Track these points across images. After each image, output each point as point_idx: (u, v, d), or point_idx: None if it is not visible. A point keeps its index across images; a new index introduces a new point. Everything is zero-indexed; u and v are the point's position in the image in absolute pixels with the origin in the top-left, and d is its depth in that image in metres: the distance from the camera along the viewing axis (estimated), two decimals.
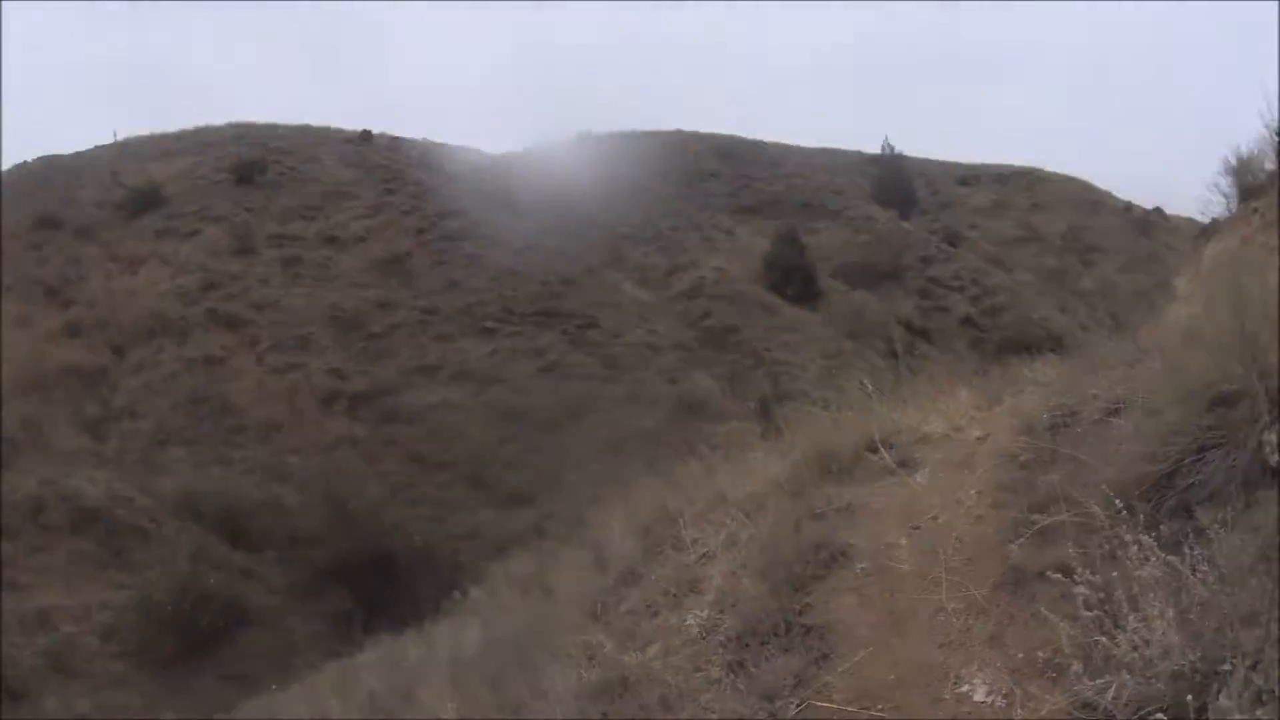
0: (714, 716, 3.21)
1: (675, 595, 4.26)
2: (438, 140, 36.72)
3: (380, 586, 16.54)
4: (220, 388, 22.09)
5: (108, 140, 38.00)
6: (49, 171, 35.66)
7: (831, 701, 2.96)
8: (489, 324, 23.56)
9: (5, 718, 14.40)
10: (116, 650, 16.16)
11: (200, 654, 16.00)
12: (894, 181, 37.31)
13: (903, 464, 4.13)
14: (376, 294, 24.54)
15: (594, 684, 3.77)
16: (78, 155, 37.40)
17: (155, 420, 22.05)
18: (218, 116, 38.68)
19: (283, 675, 11.96)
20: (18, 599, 16.26)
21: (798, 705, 3.04)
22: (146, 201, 29.86)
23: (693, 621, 3.90)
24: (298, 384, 21.74)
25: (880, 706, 2.87)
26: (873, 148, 42.29)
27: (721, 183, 36.04)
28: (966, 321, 29.39)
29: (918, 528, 3.61)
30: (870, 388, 4.78)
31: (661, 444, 16.36)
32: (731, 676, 3.39)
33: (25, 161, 38.15)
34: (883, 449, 4.22)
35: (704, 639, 3.77)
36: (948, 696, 2.82)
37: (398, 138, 36.33)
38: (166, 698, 15.50)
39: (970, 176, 42.70)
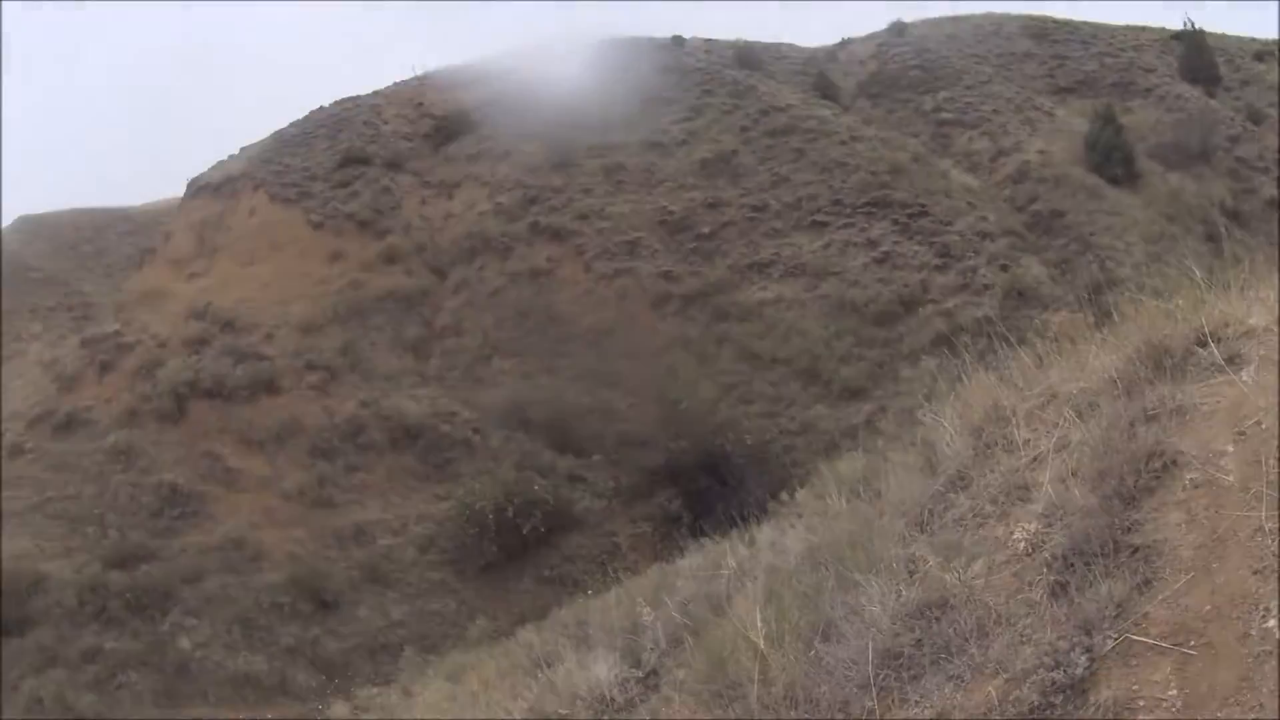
0: (1028, 648, 4.31)
1: (1003, 504, 5.52)
2: (750, 39, 49.91)
3: (710, 487, 24.55)
4: (547, 298, 33.59)
5: (407, 77, 51.16)
6: (348, 112, 49.46)
7: (1148, 636, 3.98)
8: (819, 217, 33.77)
9: (319, 627, 23.17)
10: (435, 559, 25.35)
11: (520, 559, 24.86)
12: (1198, 58, 47.52)
13: (1230, 360, 5.29)
14: (703, 195, 35.83)
15: (912, 604, 4.97)
16: (375, 94, 51.03)
17: (479, 336, 33.82)
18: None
19: (603, 579, 17.98)
20: (334, 516, 26.62)
21: (1114, 639, 4.08)
22: (457, 128, 41.65)
23: (1020, 535, 5.04)
24: (627, 288, 32.56)
25: (1193, 643, 3.86)
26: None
27: (1036, 63, 46.84)
28: (1271, 203, 35.69)
29: (1243, 434, 4.68)
30: (1197, 274, 6.26)
31: (993, 335, 22.54)
32: (1052, 601, 4.53)
33: (321, 106, 52.09)
34: (1211, 343, 5.47)
35: (1029, 556, 4.90)
36: (1254, 632, 3.77)
37: (710, 40, 49.91)
38: (481, 603, 24.88)
39: (1265, 52, 50.50)
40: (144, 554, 25.22)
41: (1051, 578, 4.58)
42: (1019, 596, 4.67)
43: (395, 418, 28.72)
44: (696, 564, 10.98)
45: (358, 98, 51.59)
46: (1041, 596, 4.57)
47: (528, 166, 39.84)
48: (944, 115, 42.12)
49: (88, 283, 69.51)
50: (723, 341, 29.74)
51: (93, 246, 77.00)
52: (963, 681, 4.40)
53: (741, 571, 8.50)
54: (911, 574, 5.31)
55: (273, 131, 51.24)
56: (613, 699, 7.17)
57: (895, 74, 45.41)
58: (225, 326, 33.90)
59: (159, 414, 29.19)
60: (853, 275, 30.76)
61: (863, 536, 6.25)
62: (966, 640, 4.58)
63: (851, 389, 27.28)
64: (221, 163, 49.85)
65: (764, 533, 10.69)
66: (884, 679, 4.64)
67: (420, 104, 47.80)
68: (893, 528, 6.13)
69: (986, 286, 29.84)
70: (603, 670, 7.48)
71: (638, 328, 31.10)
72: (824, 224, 33.06)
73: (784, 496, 15.03)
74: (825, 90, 43.39)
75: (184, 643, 23.46)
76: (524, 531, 24.63)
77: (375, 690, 20.24)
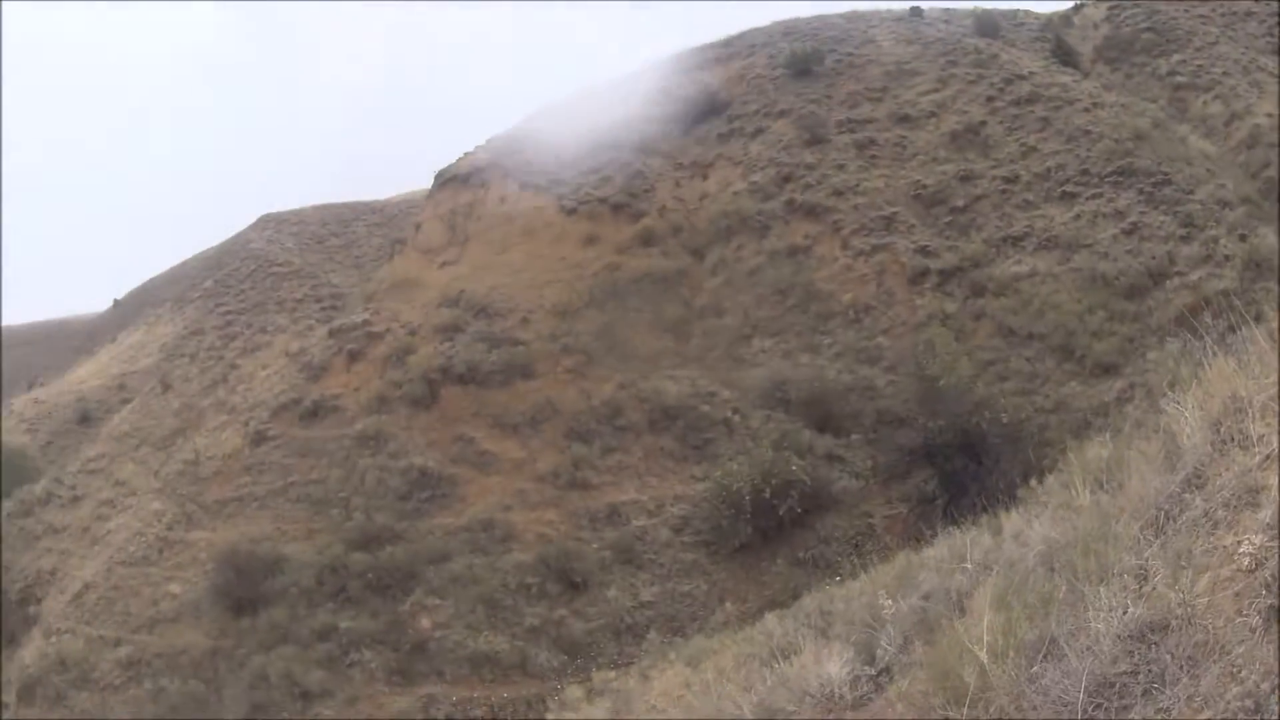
0: (1234, 686, 4.44)
1: (1234, 508, 5.66)
2: (987, 5, 52.46)
3: (965, 467, 26.10)
4: (805, 276, 36.26)
5: (651, 60, 55.53)
6: (596, 99, 53.36)
7: None
8: (1069, 188, 35.36)
9: (566, 608, 25.16)
10: (689, 540, 27.45)
11: (775, 541, 26.66)
12: None
13: None
14: (955, 167, 38.03)
15: (1135, 624, 5.22)
16: (620, 80, 54.94)
17: (739, 315, 36.22)
18: (760, 20, 55.14)
19: (856, 563, 18.92)
20: (588, 498, 29.00)
21: None
22: (705, 108, 45.63)
23: (1245, 548, 5.14)
24: (885, 264, 34.95)
25: None
26: None
27: (1257, 22, 47.31)
28: None
29: None
30: None
31: (1233, 311, 23.98)
32: (1269, 629, 4.59)
33: (567, 96, 56.52)
34: None
35: (1252, 572, 5.00)
36: None
37: (948, 8, 53.20)
38: (733, 584, 26.48)
39: None
40: (389, 536, 27.92)
41: (1270, 600, 4.70)
42: (1238, 620, 4.77)
43: (654, 399, 31.32)
44: (942, 554, 11.51)
45: (603, 84, 56.09)
46: (1258, 623, 4.65)
47: (780, 144, 42.84)
48: (1178, 79, 43.70)
49: (337, 275, 76.56)
50: (980, 317, 31.65)
51: (340, 240, 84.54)
52: (1169, 716, 4.63)
53: (983, 565, 9.10)
54: (1140, 587, 5.58)
55: (519, 120, 56.36)
56: (842, 696, 7.81)
57: (1129, 37, 47.15)
58: (479, 313, 37.19)
59: (410, 400, 32.42)
60: (1103, 247, 32.20)
61: (1098, 539, 6.61)
62: (1181, 670, 4.77)
63: (1103, 365, 28.68)
64: (469, 154, 55.02)
65: (1011, 521, 11.40)
66: (1095, 708, 4.94)
67: (666, 88, 51.78)
68: (1128, 531, 6.47)
69: (1227, 258, 30.75)
70: (835, 666, 8.11)
71: (896, 304, 33.34)
72: (1073, 195, 34.66)
73: (1033, 484, 15.75)
74: (1064, 56, 45.41)
75: (424, 622, 25.82)
76: (780, 513, 26.33)
77: (613, 673, 21.67)
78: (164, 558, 30.25)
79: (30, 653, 28.81)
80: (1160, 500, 6.59)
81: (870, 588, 11.89)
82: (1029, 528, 9.98)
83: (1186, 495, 6.38)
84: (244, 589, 27.14)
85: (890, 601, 9.23)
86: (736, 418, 30.73)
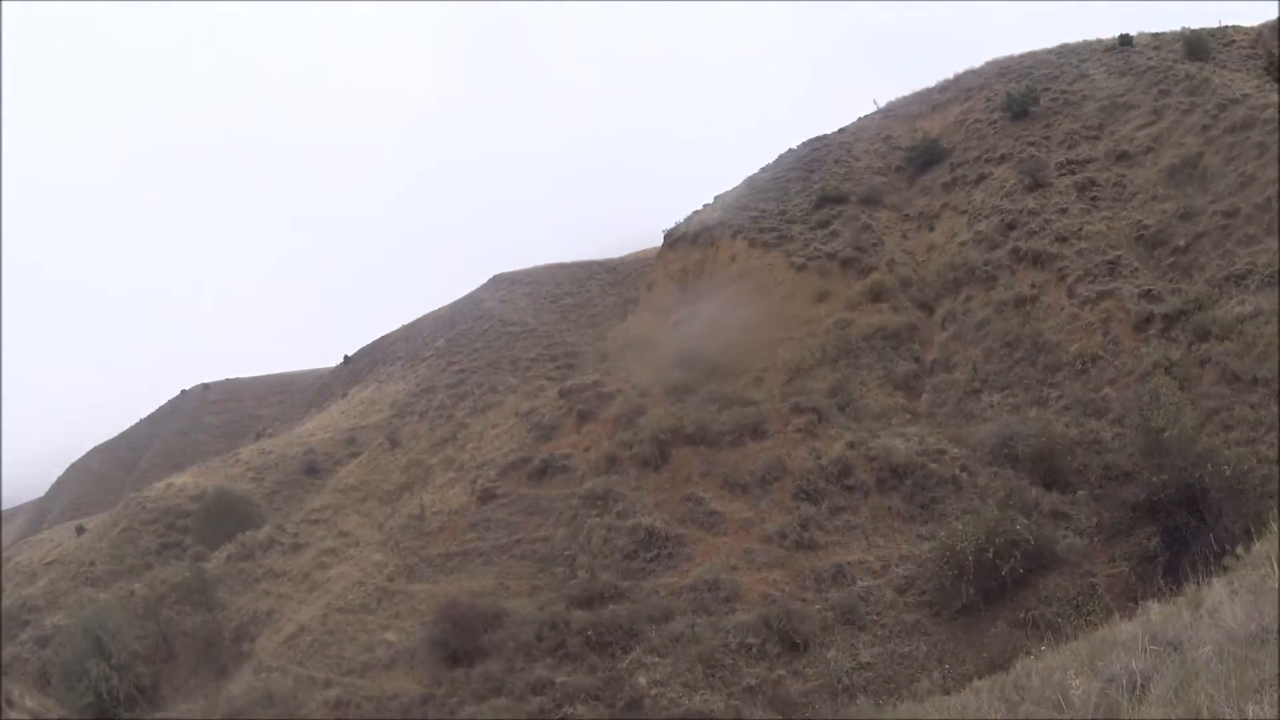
0: None
1: None
2: (1196, 26, 52.11)
3: (1187, 523, 26.45)
4: (1032, 327, 37.24)
5: (870, 110, 57.42)
6: (817, 152, 55.52)
7: None
8: None
9: (784, 668, 25.68)
10: (912, 601, 27.99)
11: (997, 601, 27.01)
12: None
13: None
14: (1175, 204, 38.46)
15: None
16: (842, 131, 57.00)
17: (968, 369, 37.43)
18: (974, 59, 56.60)
19: (1076, 622, 19.96)
20: (814, 558, 29.82)
21: None
22: (927, 157, 47.96)
23: None
24: (1110, 311, 35.66)
25: None
26: None
27: None
28: None
29: None
30: None
31: None
32: None
33: (790, 149, 58.71)
34: None
35: None
36: None
37: (1158, 34, 53.23)
38: (953, 646, 26.82)
39: None
40: (612, 594, 28.95)
41: None
42: None
43: (883, 457, 32.11)
44: (1137, 631, 11.51)
45: (825, 136, 58.17)
46: None
47: (1002, 190, 44.24)
48: None
49: (571, 334, 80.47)
50: (1204, 363, 31.65)
51: (574, 299, 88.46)
52: None
53: (1173, 648, 9.19)
54: None
55: (744, 178, 58.79)
56: None
57: None
58: (711, 372, 39.07)
59: (639, 460, 33.63)
60: None
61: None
62: None
63: None
64: (696, 212, 57.83)
65: (1214, 592, 11.33)
66: None
67: (888, 136, 53.49)
68: None
69: None
70: None
71: (1122, 352, 33.94)
72: None
73: (1240, 550, 15.27)
74: (1278, 72, 44.14)
75: (641, 679, 26.38)
76: (1002, 573, 26.71)
77: None
78: (382, 607, 32.33)
79: (238, 686, 30.83)
80: None
81: (1071, 660, 12.17)
82: (1227, 604, 9.98)
83: None
84: (461, 640, 28.42)
85: (1078, 681, 9.65)
86: (964, 475, 31.42)
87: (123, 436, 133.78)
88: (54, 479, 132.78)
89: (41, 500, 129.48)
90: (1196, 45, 48.82)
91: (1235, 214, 36.25)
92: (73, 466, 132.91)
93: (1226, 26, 52.22)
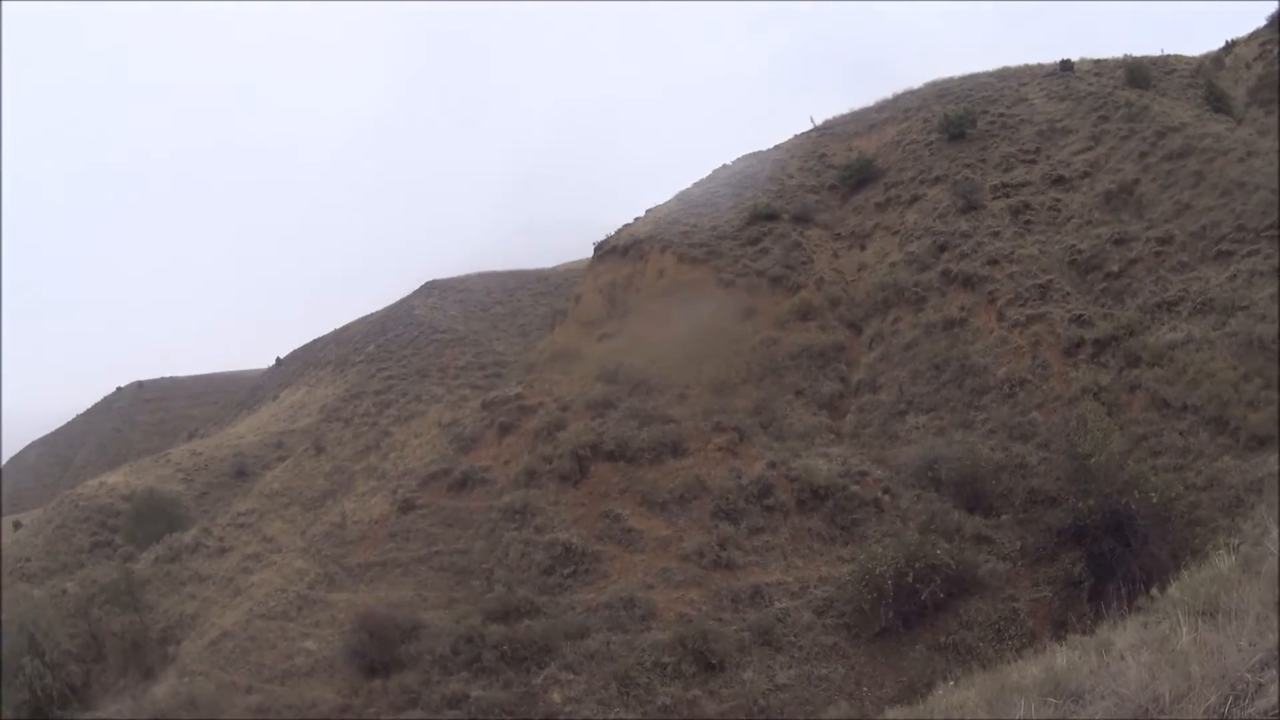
0: None
1: None
2: (1138, 54, 53.88)
3: (1113, 549, 26.69)
4: (961, 349, 37.59)
5: (805, 128, 57.72)
6: (752, 168, 56.15)
7: None
8: (1224, 245, 35.58)
9: (700, 688, 25.97)
10: (831, 623, 28.19)
11: (917, 625, 27.29)
12: None
13: None
14: (1110, 230, 39.12)
15: None
16: (777, 148, 57.38)
17: (895, 390, 37.66)
18: (913, 81, 57.33)
19: (997, 647, 20.39)
20: (732, 578, 30.06)
21: None
22: (861, 177, 48.27)
23: None
24: (1040, 335, 36.02)
25: None
26: None
27: None
28: None
29: None
30: None
31: None
32: None
33: (725, 164, 58.77)
34: None
35: None
36: None
37: (1100, 60, 54.54)
38: (871, 669, 27.09)
39: None
40: (528, 609, 29.32)
41: None
42: None
43: (804, 478, 32.29)
44: (1041, 676, 11.23)
45: (760, 153, 58.34)
46: None
47: (935, 211, 44.70)
48: None
49: (500, 343, 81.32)
50: (1134, 389, 32.10)
51: (505, 308, 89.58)
52: None
53: (1074, 698, 8.94)
54: None
55: (676, 192, 58.77)
56: None
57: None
58: (635, 388, 39.29)
59: (558, 475, 34.00)
60: (1260, 308, 32.07)
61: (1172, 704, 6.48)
62: None
63: (1259, 436, 28.41)
64: (627, 225, 57.69)
65: (1124, 636, 11.10)
66: None
67: (823, 155, 53.72)
68: (1202, 700, 6.39)
69: None
70: None
71: (1051, 376, 34.28)
72: (1229, 253, 34.83)
73: (1154, 592, 14.52)
74: (1217, 102, 45.40)
75: (555, 696, 26.79)
76: (922, 597, 26.97)
77: None
78: (303, 615, 32.34)
79: (163, 689, 30.76)
80: (1243, 668, 6.55)
81: (978, 699, 12.06)
82: (1131, 660, 9.24)
83: (1269, 670, 6.31)
84: (379, 651, 28.87)
85: None
86: (887, 498, 31.61)
87: (60, 432, 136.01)
88: None
89: None
90: (1137, 73, 49.95)
91: (1169, 241, 36.94)
92: (11, 461, 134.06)
93: (1168, 55, 53.33)
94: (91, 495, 65.22)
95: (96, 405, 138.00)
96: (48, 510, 67.93)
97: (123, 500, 62.10)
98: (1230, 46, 50.97)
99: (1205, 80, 48.13)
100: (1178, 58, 53.85)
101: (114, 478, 69.93)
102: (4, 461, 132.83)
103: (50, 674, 33.45)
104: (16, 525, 67.98)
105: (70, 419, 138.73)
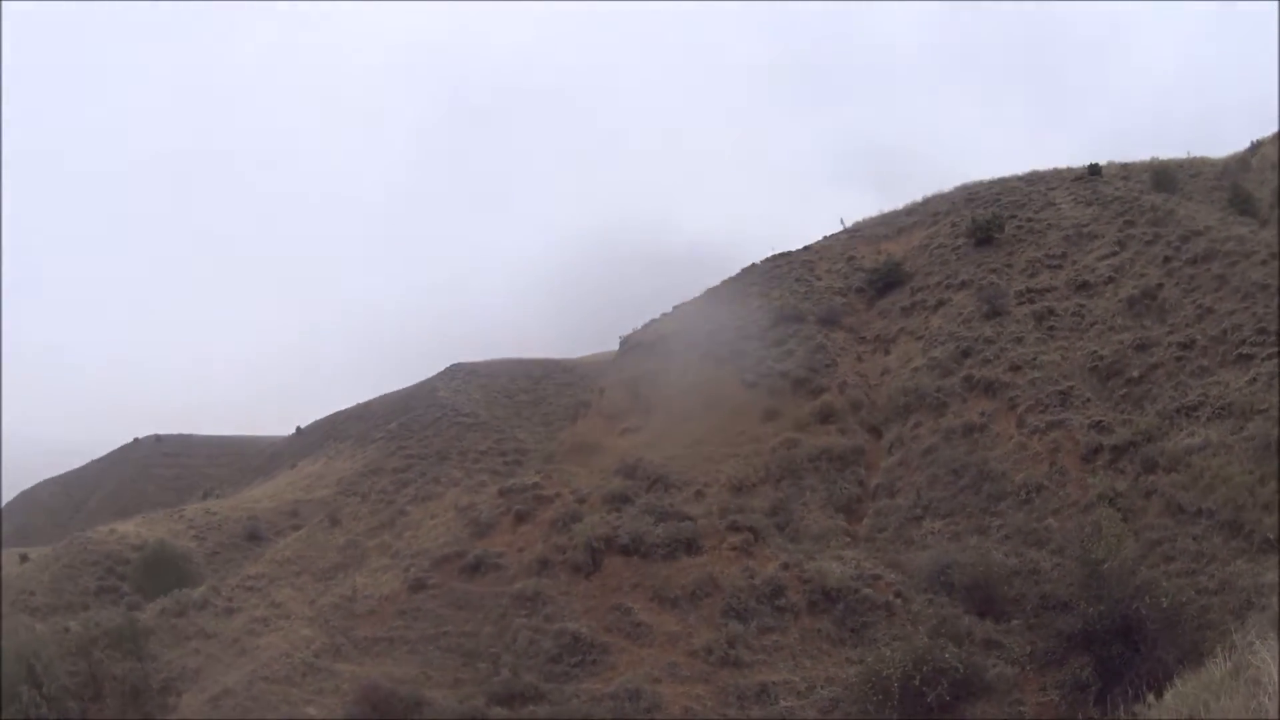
0: None
1: None
2: (1165, 157, 55.38)
3: (1121, 654, 26.76)
4: (980, 455, 37.96)
5: (836, 229, 58.87)
6: (780, 269, 56.80)
7: None
8: (1245, 349, 35.86)
9: None
10: None
11: None
12: None
13: None
14: (1132, 335, 39.50)
15: None
16: (806, 248, 58.00)
17: (912, 495, 38.00)
18: (944, 183, 58.82)
19: None
20: (739, 675, 30.17)
21: None
22: (888, 280, 48.95)
23: None
24: (1059, 442, 36.36)
25: None
26: None
27: None
28: None
29: None
30: None
31: None
32: None
33: (753, 264, 59.69)
34: None
35: None
36: None
37: (1127, 164, 56.08)
38: None
39: None
40: (533, 694, 29.14)
41: None
42: None
43: (816, 580, 32.42)
44: None
45: (790, 253, 59.46)
46: None
47: (960, 317, 45.41)
48: None
49: (523, 430, 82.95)
50: (1150, 494, 32.23)
51: (529, 396, 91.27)
52: None
53: None
54: None
55: (704, 289, 59.79)
56: None
57: None
58: (653, 483, 39.73)
59: (571, 566, 34.19)
60: (1276, 412, 32.24)
61: None
62: None
63: (1273, 540, 28.52)
64: (655, 321, 58.62)
65: None
66: None
67: (851, 257, 54.66)
68: None
69: None
70: None
71: (1068, 482, 34.42)
72: (1249, 356, 35.07)
73: (1151, 699, 16.60)
74: (1241, 204, 46.21)
75: None
76: (929, 700, 26.50)
77: None
78: (306, 681, 32.25)
79: None
80: None
81: None
82: None
83: None
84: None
85: None
86: (898, 601, 31.62)
87: (74, 473, 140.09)
88: None
89: None
90: (1163, 177, 50.87)
91: (1190, 345, 37.31)
92: (22, 494, 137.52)
93: (1194, 158, 54.19)
94: (102, 540, 66.31)
95: (113, 453, 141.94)
96: (56, 549, 68.83)
97: (133, 549, 63.22)
98: (1256, 147, 51.89)
99: (1230, 182, 48.93)
100: (1203, 160, 54.92)
101: (126, 526, 71.29)
102: (10, 494, 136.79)
103: (47, 705, 33.17)
104: (23, 558, 68.80)
105: (85, 462, 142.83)
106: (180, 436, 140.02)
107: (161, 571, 53.41)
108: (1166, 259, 42.61)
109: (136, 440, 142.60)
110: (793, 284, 55.27)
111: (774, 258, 61.09)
